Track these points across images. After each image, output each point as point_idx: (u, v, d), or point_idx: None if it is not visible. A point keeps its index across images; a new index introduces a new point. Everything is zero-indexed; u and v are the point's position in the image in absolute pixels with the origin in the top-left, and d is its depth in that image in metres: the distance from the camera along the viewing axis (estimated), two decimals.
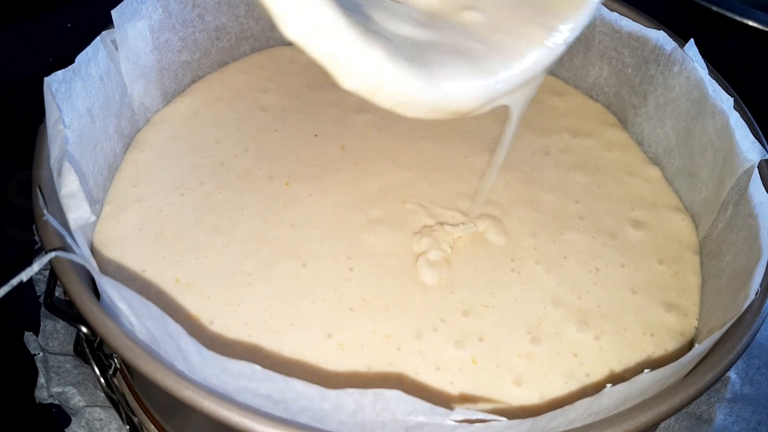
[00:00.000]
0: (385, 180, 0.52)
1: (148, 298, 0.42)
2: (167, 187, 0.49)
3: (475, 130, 0.57)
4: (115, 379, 0.44)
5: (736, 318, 0.37)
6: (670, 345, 0.43)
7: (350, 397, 0.30)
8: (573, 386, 0.40)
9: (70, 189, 0.36)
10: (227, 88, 0.58)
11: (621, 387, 0.32)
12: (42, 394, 0.46)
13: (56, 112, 0.40)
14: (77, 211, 0.35)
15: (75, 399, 0.45)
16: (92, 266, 0.33)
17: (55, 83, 0.41)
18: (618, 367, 0.42)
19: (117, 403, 0.42)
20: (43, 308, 0.50)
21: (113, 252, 0.45)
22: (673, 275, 0.47)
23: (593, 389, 0.40)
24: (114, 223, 0.46)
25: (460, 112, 0.33)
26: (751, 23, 0.71)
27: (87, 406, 0.44)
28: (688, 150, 0.51)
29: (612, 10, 0.56)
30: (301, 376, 0.39)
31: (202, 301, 0.43)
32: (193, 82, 0.58)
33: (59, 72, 0.42)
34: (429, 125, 0.56)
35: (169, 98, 0.56)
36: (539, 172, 0.53)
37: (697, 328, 0.45)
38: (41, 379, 0.46)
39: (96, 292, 0.36)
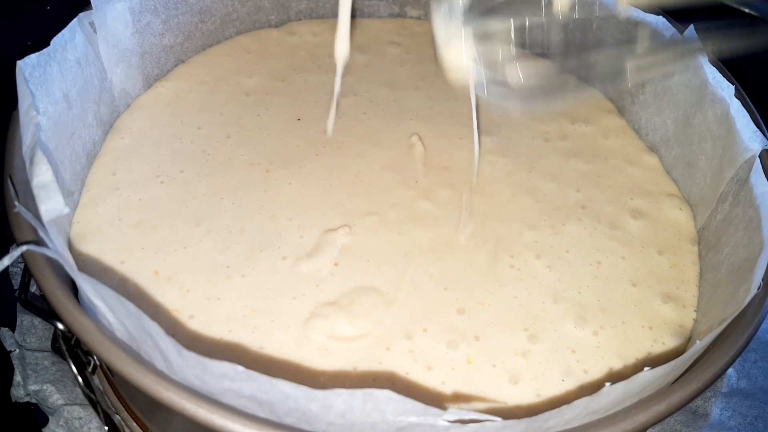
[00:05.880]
0: (363, 163, 0.50)
1: (127, 291, 0.41)
2: (147, 175, 0.47)
3: (471, 112, 0.55)
4: (95, 377, 0.42)
5: (736, 314, 0.35)
6: (669, 338, 0.42)
7: (339, 397, 0.29)
8: (570, 383, 0.39)
9: (43, 179, 0.34)
10: (211, 71, 0.56)
11: (620, 386, 0.31)
12: (18, 393, 0.44)
13: (29, 98, 0.38)
14: (50, 203, 0.34)
15: (53, 397, 0.43)
16: (66, 261, 0.32)
17: (28, 67, 0.39)
18: (616, 362, 0.41)
19: (95, 403, 0.40)
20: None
21: (91, 243, 0.43)
22: (673, 266, 0.46)
23: (591, 386, 0.39)
24: (92, 213, 0.45)
25: None
26: (746, 10, 0.70)
27: (66, 404, 0.43)
28: (687, 139, 0.50)
29: None
30: (285, 376, 0.38)
31: (182, 295, 0.41)
32: (176, 65, 0.56)
33: (33, 56, 0.40)
34: (420, 106, 0.55)
35: (150, 82, 0.54)
36: (540, 159, 0.52)
37: (695, 320, 0.44)
38: (17, 377, 0.44)
39: (73, 287, 0.34)
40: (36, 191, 0.34)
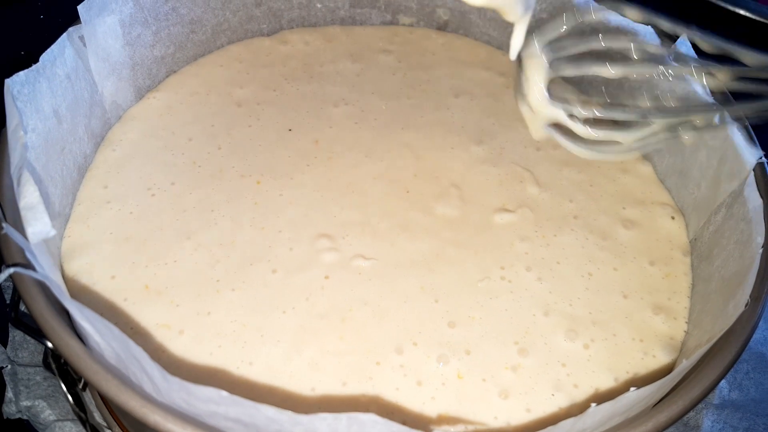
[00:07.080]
0: (354, 174, 0.50)
1: (117, 306, 0.41)
2: (138, 188, 0.47)
3: (463, 121, 0.55)
4: (86, 392, 0.42)
5: (723, 332, 0.35)
6: (660, 350, 0.42)
7: (323, 421, 0.29)
8: (560, 398, 0.39)
9: (29, 201, 0.34)
10: (202, 82, 0.56)
11: (605, 406, 0.31)
12: (10, 410, 0.44)
13: (17, 117, 0.38)
14: (36, 225, 0.34)
15: (45, 413, 0.43)
16: (53, 284, 0.32)
17: (17, 85, 0.39)
18: (607, 376, 0.41)
19: (85, 422, 0.41)
20: None
21: (82, 258, 0.43)
22: (664, 277, 0.46)
23: (581, 401, 0.39)
24: (83, 227, 0.45)
25: None
26: (741, 12, 0.70)
27: (57, 420, 0.43)
28: (678, 148, 0.50)
29: (600, 2, 0.54)
30: (274, 393, 0.38)
31: (171, 309, 0.41)
32: (168, 76, 0.56)
33: (21, 73, 0.39)
34: (412, 116, 0.55)
35: (142, 94, 0.54)
36: (533, 168, 0.52)
37: (686, 332, 0.44)
38: (9, 393, 0.44)
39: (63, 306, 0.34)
40: (23, 213, 0.34)
